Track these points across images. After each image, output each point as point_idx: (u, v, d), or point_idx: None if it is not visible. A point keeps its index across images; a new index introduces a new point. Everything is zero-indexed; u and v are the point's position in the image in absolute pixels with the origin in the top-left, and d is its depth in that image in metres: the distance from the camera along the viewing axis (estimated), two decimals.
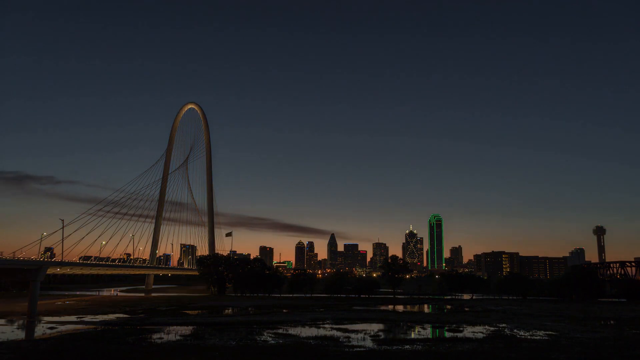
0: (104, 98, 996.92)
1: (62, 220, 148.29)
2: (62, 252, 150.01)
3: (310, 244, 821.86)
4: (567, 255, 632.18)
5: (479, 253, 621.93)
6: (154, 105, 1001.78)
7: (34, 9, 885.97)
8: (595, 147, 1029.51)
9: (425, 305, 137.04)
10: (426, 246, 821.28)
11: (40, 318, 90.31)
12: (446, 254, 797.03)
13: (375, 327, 76.35)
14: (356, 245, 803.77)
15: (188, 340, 59.07)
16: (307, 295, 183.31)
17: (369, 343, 58.31)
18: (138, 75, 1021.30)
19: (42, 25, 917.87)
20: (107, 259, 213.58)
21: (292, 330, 70.47)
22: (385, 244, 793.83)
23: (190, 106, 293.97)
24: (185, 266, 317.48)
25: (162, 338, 61.69)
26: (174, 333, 67.09)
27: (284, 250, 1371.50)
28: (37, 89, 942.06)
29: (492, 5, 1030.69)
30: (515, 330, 71.84)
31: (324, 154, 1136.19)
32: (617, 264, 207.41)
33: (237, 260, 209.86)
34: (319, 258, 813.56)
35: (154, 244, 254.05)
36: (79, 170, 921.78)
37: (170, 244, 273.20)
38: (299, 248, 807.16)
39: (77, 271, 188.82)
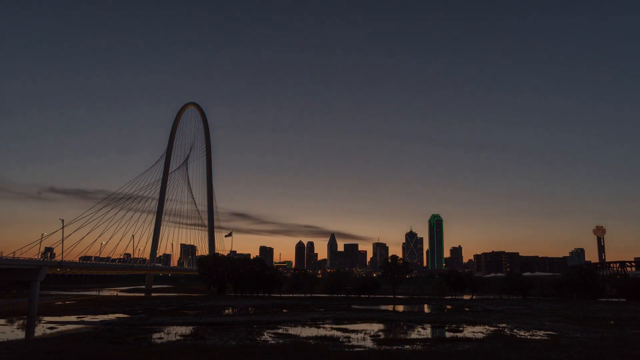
0: (104, 98, 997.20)
1: (62, 220, 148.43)
2: (62, 252, 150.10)
3: (310, 244, 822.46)
4: (567, 255, 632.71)
5: (479, 253, 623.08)
6: (153, 105, 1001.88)
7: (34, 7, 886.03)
8: (596, 147, 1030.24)
9: (425, 305, 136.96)
10: (426, 246, 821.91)
11: (40, 318, 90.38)
12: (446, 254, 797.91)
13: (375, 327, 76.35)
14: (356, 245, 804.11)
15: (188, 340, 59.05)
16: (307, 295, 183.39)
17: (369, 343, 58.29)
18: (138, 75, 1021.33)
19: (41, 25, 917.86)
20: (107, 259, 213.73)
21: (292, 330, 70.47)
22: (385, 244, 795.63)
23: (190, 106, 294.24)
24: (185, 266, 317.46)
25: (162, 338, 61.70)
26: (174, 333, 67.10)
27: (284, 250, 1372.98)
28: (36, 91, 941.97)
29: (497, 20, 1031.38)
30: (515, 330, 71.82)
31: (325, 154, 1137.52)
32: (617, 264, 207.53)
33: (237, 260, 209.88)
34: (319, 258, 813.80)
35: (154, 244, 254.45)
36: (79, 172, 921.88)
37: (171, 244, 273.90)
38: (299, 248, 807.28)
39: (77, 271, 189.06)
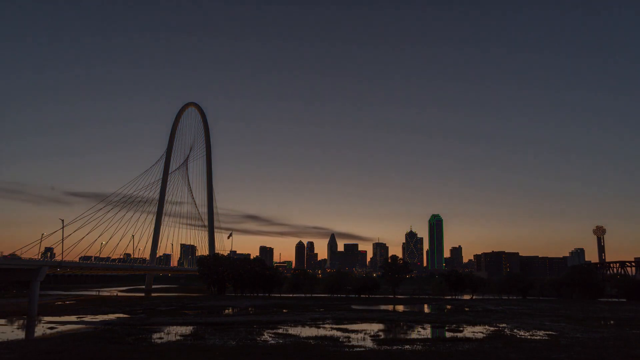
0: (104, 98, 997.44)
1: (62, 220, 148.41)
2: (62, 252, 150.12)
3: (310, 244, 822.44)
4: (567, 255, 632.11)
5: (479, 253, 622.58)
6: (154, 105, 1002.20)
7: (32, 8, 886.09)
8: (596, 147, 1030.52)
9: (425, 305, 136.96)
10: (426, 246, 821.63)
11: (40, 318, 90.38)
12: (446, 254, 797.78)
13: (375, 327, 76.32)
14: (356, 245, 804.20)
15: (188, 340, 59.04)
16: (307, 295, 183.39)
17: (369, 343, 58.27)
18: (138, 75, 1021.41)
19: (41, 23, 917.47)
20: (107, 259, 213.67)
21: (292, 330, 70.44)
22: (385, 244, 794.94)
23: (190, 107, 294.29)
24: (185, 266, 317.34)
25: (162, 338, 61.69)
26: (174, 333, 67.10)
27: (284, 250, 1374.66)
28: (34, 91, 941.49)
29: (498, 12, 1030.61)
30: (515, 330, 71.79)
31: (325, 153, 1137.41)
32: (617, 264, 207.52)
33: (237, 261, 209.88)
34: (319, 258, 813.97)
35: (154, 244, 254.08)
36: (79, 172, 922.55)
37: (171, 244, 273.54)
38: (299, 248, 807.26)
39: (77, 271, 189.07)
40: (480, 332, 70.79)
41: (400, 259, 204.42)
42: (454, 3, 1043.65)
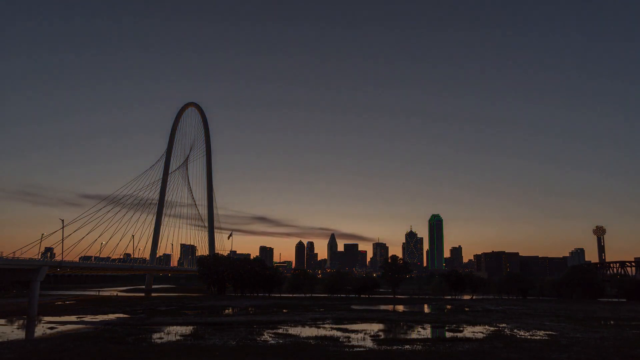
0: (104, 97, 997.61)
1: (62, 220, 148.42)
2: (62, 252, 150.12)
3: (310, 244, 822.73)
4: (567, 255, 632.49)
5: (479, 253, 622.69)
6: (154, 105, 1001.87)
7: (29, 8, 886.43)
8: (596, 147, 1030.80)
9: (425, 305, 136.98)
10: (426, 246, 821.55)
11: (40, 318, 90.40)
12: (446, 254, 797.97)
13: (375, 327, 76.35)
14: (356, 245, 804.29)
15: (188, 340, 59.05)
16: (307, 295, 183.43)
17: (369, 343, 58.29)
18: (138, 75, 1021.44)
19: (36, 24, 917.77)
20: (107, 258, 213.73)
21: (292, 330, 70.46)
22: (385, 244, 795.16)
23: (190, 107, 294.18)
24: (185, 266, 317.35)
25: (162, 338, 61.70)
26: (174, 333, 67.10)
27: (284, 250, 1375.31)
28: (33, 90, 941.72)
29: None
30: (515, 330, 71.84)
31: (325, 153, 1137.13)
32: (617, 264, 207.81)
33: (237, 261, 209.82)
34: (319, 258, 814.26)
35: (154, 244, 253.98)
36: (79, 171, 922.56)
37: (171, 244, 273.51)
38: (299, 248, 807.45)
39: (77, 271, 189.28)
40: (480, 332, 70.82)
41: (400, 259, 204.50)
42: None
